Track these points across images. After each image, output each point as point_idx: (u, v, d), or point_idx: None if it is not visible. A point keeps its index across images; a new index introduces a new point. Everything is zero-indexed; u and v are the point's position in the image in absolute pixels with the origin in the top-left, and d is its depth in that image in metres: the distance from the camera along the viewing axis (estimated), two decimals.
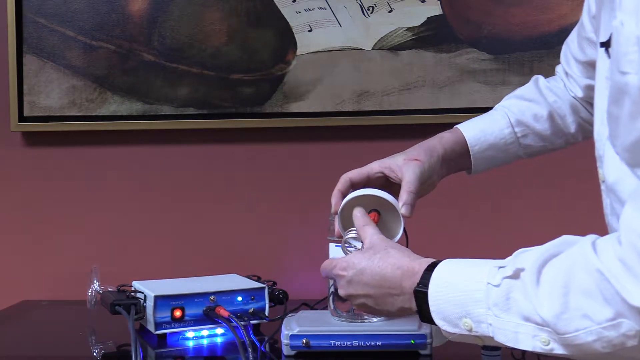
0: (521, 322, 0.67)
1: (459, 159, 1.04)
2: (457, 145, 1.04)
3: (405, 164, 0.96)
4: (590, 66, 1.02)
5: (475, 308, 0.70)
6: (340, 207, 0.95)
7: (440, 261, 0.77)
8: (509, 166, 1.54)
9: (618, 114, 0.69)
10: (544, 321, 0.65)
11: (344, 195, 0.96)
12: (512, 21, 1.52)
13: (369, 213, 0.95)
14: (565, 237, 0.70)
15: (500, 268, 0.70)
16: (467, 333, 0.72)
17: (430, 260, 0.78)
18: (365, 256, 0.83)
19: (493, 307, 0.69)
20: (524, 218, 1.57)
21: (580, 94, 1.07)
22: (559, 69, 1.13)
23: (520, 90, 1.13)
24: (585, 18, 1.00)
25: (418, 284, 0.76)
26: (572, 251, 0.66)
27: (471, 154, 1.04)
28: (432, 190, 1.03)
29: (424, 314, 0.76)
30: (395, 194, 0.95)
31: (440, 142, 1.02)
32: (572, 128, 1.09)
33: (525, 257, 0.69)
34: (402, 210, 0.92)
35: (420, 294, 0.75)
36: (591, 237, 0.67)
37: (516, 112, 1.08)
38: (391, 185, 0.98)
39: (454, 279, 0.73)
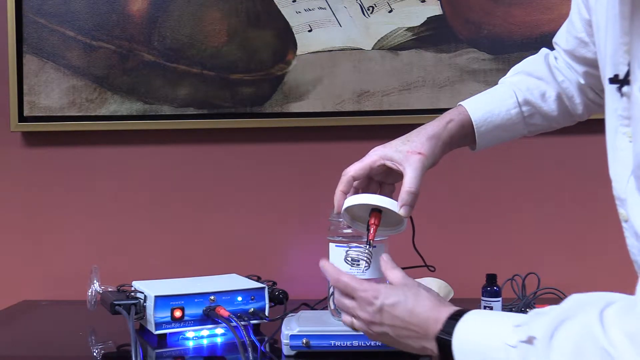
0: None
1: (463, 139, 1.03)
2: (463, 129, 1.02)
3: (407, 158, 0.95)
4: (586, 60, 1.02)
5: None
6: (344, 209, 0.96)
7: (465, 312, 0.79)
8: (512, 165, 1.55)
9: None
10: None
11: (346, 195, 0.96)
12: (512, 21, 1.52)
13: (370, 214, 0.96)
14: (575, 299, 0.69)
15: (516, 327, 0.71)
16: None
17: (455, 309, 0.80)
18: (398, 291, 0.85)
19: None
20: (525, 217, 1.57)
21: (582, 80, 1.05)
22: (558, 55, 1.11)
23: (529, 66, 1.09)
24: (575, 18, 1.00)
25: (441, 331, 0.79)
26: (580, 320, 0.66)
27: (476, 134, 1.02)
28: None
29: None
30: (397, 182, 0.96)
31: (446, 127, 1.00)
32: (580, 109, 1.07)
33: (538, 322, 0.69)
34: (401, 211, 0.93)
35: (443, 342, 0.78)
36: (599, 305, 0.66)
37: (524, 91, 1.05)
38: (392, 171, 0.97)
39: (476, 335, 0.76)
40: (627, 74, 0.74)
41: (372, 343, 1.00)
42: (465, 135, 1.03)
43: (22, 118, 1.59)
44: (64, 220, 1.62)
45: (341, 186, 0.97)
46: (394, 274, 0.90)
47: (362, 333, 1.00)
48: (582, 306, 0.67)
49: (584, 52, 1.01)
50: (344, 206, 0.96)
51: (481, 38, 1.53)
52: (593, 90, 1.06)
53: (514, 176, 1.57)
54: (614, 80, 0.77)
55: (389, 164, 0.96)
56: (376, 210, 0.96)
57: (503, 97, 1.05)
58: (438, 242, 1.53)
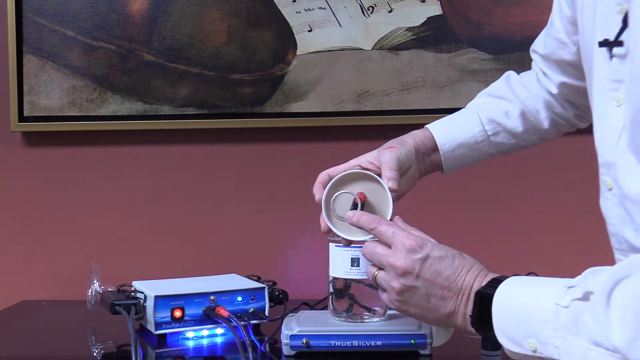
0: (591, 346, 0.64)
1: (431, 154, 1.04)
2: (428, 140, 1.04)
3: (381, 153, 0.96)
4: (563, 65, 1.03)
5: (542, 329, 0.68)
6: (327, 189, 0.94)
7: (507, 277, 0.75)
8: (512, 164, 1.55)
9: None
10: (615, 348, 0.63)
11: (324, 187, 0.96)
12: (512, 21, 1.52)
13: (356, 194, 0.95)
14: (634, 258, 0.67)
15: (569, 288, 0.68)
16: (531, 354, 0.70)
17: (497, 275, 0.77)
18: (445, 248, 0.81)
19: (561, 329, 0.67)
20: (523, 218, 1.57)
21: (554, 90, 1.07)
22: (534, 64, 1.13)
23: (491, 88, 1.12)
24: (556, 19, 1.01)
25: (483, 287, 0.75)
26: None
27: (441, 152, 1.04)
28: (412, 185, 1.02)
29: (481, 323, 0.75)
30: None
31: (410, 136, 1.03)
32: (546, 124, 1.08)
33: (595, 279, 0.66)
34: (390, 184, 0.91)
35: (483, 296, 0.74)
36: None
37: (487, 110, 1.07)
38: None
39: (520, 297, 0.72)
40: (619, 34, 0.75)
41: (372, 343, 1.00)
42: (432, 150, 1.04)
43: (22, 118, 1.58)
44: (64, 220, 1.62)
45: (319, 179, 0.97)
46: (419, 232, 0.85)
47: (362, 333, 1.00)
48: None
49: (562, 54, 1.02)
50: (329, 184, 0.94)
51: (481, 38, 1.53)
52: (561, 105, 1.08)
53: (514, 176, 1.57)
54: (604, 43, 0.78)
55: (364, 164, 0.97)
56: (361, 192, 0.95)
57: (465, 117, 1.08)
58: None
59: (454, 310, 0.78)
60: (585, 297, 0.65)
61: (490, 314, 0.73)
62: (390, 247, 0.82)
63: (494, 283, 0.75)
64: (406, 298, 0.80)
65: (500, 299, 0.73)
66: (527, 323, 0.69)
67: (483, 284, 0.76)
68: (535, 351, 0.69)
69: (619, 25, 0.75)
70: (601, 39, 0.78)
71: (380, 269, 0.84)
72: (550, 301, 0.68)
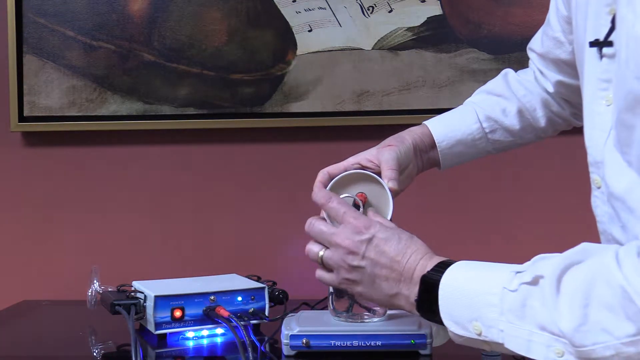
0: (536, 330, 0.65)
1: (429, 151, 1.05)
2: (426, 137, 1.04)
3: (380, 152, 0.96)
4: (559, 63, 1.03)
5: (487, 312, 0.68)
6: (327, 190, 0.94)
7: (453, 261, 0.76)
8: (512, 165, 1.55)
9: (634, 123, 0.68)
10: (561, 332, 0.63)
11: (325, 186, 0.96)
12: (512, 21, 1.52)
13: (356, 195, 0.95)
14: (585, 245, 0.68)
15: (517, 273, 0.68)
16: (475, 337, 0.70)
17: (445, 258, 0.77)
18: (392, 230, 0.81)
19: (507, 312, 0.67)
20: (518, 221, 1.57)
21: (550, 89, 1.07)
22: (531, 62, 1.13)
23: (489, 85, 1.12)
24: (553, 18, 1.01)
25: (429, 271, 0.76)
26: (593, 261, 0.64)
27: (439, 149, 1.04)
28: (410, 183, 1.02)
29: (427, 309, 0.75)
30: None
31: (408, 133, 1.03)
32: (542, 122, 1.09)
33: (545, 264, 0.67)
34: (390, 184, 0.92)
35: (429, 282, 0.74)
36: (613, 248, 0.65)
37: (485, 107, 1.08)
38: None
39: (467, 281, 0.72)
40: (608, 34, 0.76)
41: (372, 343, 1.00)
42: (430, 146, 1.04)
43: (22, 118, 1.58)
44: (64, 220, 1.62)
45: (319, 178, 0.98)
46: (385, 220, 0.86)
47: (362, 333, 1.00)
48: (594, 251, 0.66)
49: (558, 53, 1.02)
50: (330, 185, 0.95)
51: (481, 38, 1.53)
52: (558, 104, 1.08)
53: (514, 176, 1.57)
54: (594, 43, 0.79)
55: (363, 162, 0.97)
56: (362, 193, 0.95)
57: (463, 114, 1.08)
58: (436, 243, 1.52)
59: (397, 292, 0.78)
60: (535, 281, 0.66)
61: (436, 299, 0.73)
62: (336, 226, 0.84)
63: (440, 268, 0.75)
64: (353, 277, 0.82)
65: (447, 282, 0.73)
66: (473, 307, 0.70)
67: (428, 268, 0.76)
68: (480, 334, 0.69)
69: (608, 25, 0.76)
70: (592, 39, 0.79)
71: (325, 248, 0.85)
72: (497, 285, 0.69)
